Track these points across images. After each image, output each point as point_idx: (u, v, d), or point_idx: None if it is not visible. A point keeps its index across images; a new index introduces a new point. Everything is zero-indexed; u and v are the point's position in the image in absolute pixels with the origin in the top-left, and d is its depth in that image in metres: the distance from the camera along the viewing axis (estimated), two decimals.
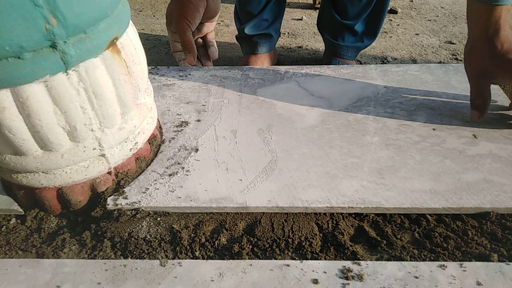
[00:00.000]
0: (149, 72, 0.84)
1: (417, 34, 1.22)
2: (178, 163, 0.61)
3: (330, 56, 1.01)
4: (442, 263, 0.48)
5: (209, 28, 0.92)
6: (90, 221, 0.55)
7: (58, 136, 0.49)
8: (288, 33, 1.25)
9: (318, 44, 1.19)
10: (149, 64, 0.65)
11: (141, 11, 1.45)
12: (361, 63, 1.08)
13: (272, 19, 0.96)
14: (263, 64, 0.99)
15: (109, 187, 0.57)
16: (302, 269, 0.47)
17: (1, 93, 0.43)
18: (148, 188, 0.57)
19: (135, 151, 0.58)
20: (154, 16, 1.41)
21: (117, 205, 0.55)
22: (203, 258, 0.51)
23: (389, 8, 1.29)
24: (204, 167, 0.61)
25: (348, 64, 0.92)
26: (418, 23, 1.29)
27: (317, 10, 1.38)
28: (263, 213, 0.56)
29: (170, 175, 0.59)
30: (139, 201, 0.55)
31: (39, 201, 0.55)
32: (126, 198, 0.55)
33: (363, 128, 0.68)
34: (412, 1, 1.45)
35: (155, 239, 0.52)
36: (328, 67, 0.85)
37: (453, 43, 1.16)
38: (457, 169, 0.59)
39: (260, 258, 0.51)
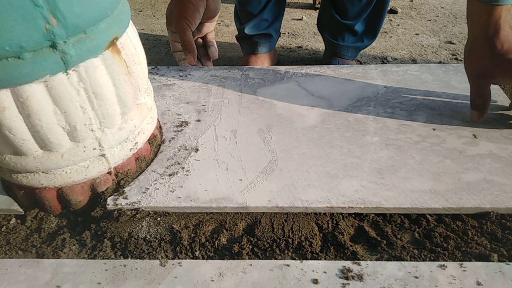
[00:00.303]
0: (149, 72, 0.84)
1: (417, 34, 1.22)
2: (178, 163, 0.61)
3: (330, 56, 1.01)
4: (442, 263, 0.48)
5: (209, 28, 0.92)
6: (90, 221, 0.55)
7: (58, 136, 0.49)
8: (288, 33, 1.25)
9: (318, 44, 1.19)
10: (149, 64, 0.65)
11: (141, 11, 1.45)
12: (361, 63, 1.09)
13: (272, 19, 0.96)
14: (263, 64, 0.99)
15: (109, 187, 0.57)
16: (302, 269, 0.47)
17: (1, 93, 0.43)
18: (148, 188, 0.57)
19: (135, 151, 0.58)
20: (154, 16, 1.41)
21: (117, 205, 0.55)
22: (203, 258, 0.51)
23: (389, 8, 1.29)
24: (204, 167, 0.61)
25: (348, 64, 0.92)
26: (418, 23, 1.29)
27: (317, 10, 1.38)
28: (263, 213, 0.56)
29: (170, 175, 0.59)
30: (139, 201, 0.55)
31: (39, 201, 0.55)
32: (126, 198, 0.55)
33: (363, 128, 0.68)
34: (412, 1, 1.45)
35: (155, 239, 0.52)
36: (328, 67, 0.85)
37: (453, 43, 1.16)
38: (457, 169, 0.59)
39: (260, 258, 0.51)
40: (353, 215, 0.56)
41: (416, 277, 0.46)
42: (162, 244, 0.52)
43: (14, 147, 0.48)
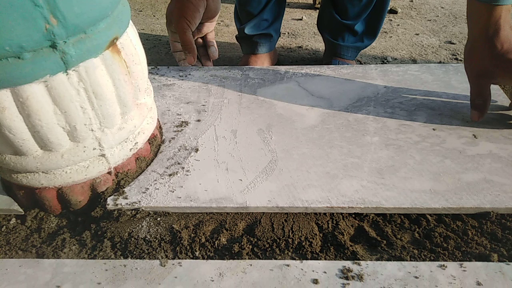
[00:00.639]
0: (149, 72, 0.84)
1: (417, 34, 1.22)
2: (178, 163, 0.61)
3: (330, 56, 1.01)
4: (442, 263, 0.48)
5: (209, 28, 0.92)
6: (90, 221, 0.55)
7: (58, 136, 0.49)
8: (288, 33, 1.25)
9: (318, 44, 1.19)
10: (149, 64, 0.65)
11: (141, 11, 1.45)
12: (361, 63, 1.09)
13: (272, 19, 0.96)
14: (263, 64, 0.99)
15: (109, 187, 0.57)
16: (302, 269, 0.47)
17: (1, 93, 0.43)
18: (148, 188, 0.57)
19: (135, 151, 0.58)
20: (154, 16, 1.41)
21: (117, 205, 0.55)
22: (203, 258, 0.51)
23: (389, 8, 1.29)
24: (204, 167, 0.61)
25: (348, 64, 0.92)
26: (418, 23, 1.29)
27: (317, 10, 1.38)
28: (263, 213, 0.56)
29: (170, 175, 0.59)
30: (139, 201, 0.55)
31: (39, 201, 0.55)
32: (126, 198, 0.55)
33: (363, 128, 0.68)
34: (412, 1, 1.45)
35: (155, 239, 0.52)
36: (328, 67, 0.85)
37: (453, 43, 1.16)
38: (457, 169, 0.59)
39: (260, 258, 0.51)
40: (353, 215, 0.56)
41: (416, 277, 0.46)
42: (162, 244, 0.52)
43: (14, 147, 0.48)
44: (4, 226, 0.56)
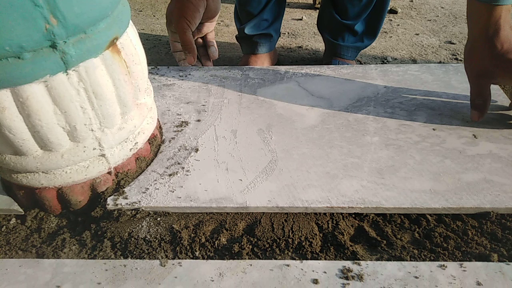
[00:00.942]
0: (149, 72, 0.84)
1: (417, 34, 1.22)
2: (178, 163, 0.61)
3: (330, 56, 1.01)
4: (442, 263, 0.48)
5: (209, 28, 0.92)
6: (90, 221, 0.55)
7: (58, 136, 0.49)
8: (288, 33, 1.25)
9: (318, 44, 1.19)
10: (149, 64, 0.65)
11: (141, 11, 1.45)
12: (361, 63, 1.09)
13: (272, 19, 0.96)
14: (263, 64, 0.99)
15: (109, 187, 0.57)
16: (302, 269, 0.47)
17: (1, 93, 0.43)
18: (148, 188, 0.57)
19: (135, 151, 0.58)
20: (154, 16, 1.41)
21: (117, 205, 0.55)
22: (203, 258, 0.51)
23: (389, 8, 1.29)
24: (204, 167, 0.61)
25: (348, 64, 0.92)
26: (418, 23, 1.29)
27: (317, 10, 1.38)
28: (263, 213, 0.56)
29: (170, 175, 0.59)
30: (139, 201, 0.55)
31: (39, 201, 0.55)
32: (126, 198, 0.55)
33: (363, 128, 0.68)
34: (412, 1, 1.45)
35: (155, 239, 0.52)
36: (328, 67, 0.85)
37: (453, 43, 1.16)
38: (457, 169, 0.59)
39: (260, 258, 0.51)
40: (353, 215, 0.56)
41: (416, 277, 0.46)
42: (162, 244, 0.52)
43: (14, 147, 0.48)
44: (4, 226, 0.56)
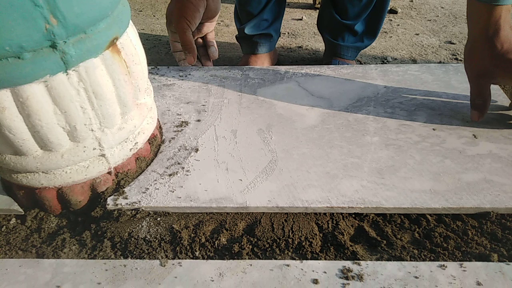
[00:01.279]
0: (149, 72, 0.84)
1: (417, 34, 1.22)
2: (178, 163, 0.61)
3: (330, 56, 1.01)
4: (442, 263, 0.48)
5: (209, 28, 0.92)
6: (90, 221, 0.55)
7: (58, 136, 0.49)
8: (288, 33, 1.25)
9: (318, 44, 1.19)
10: (149, 64, 0.65)
11: (141, 11, 1.45)
12: (361, 63, 1.09)
13: (272, 19, 0.96)
14: (263, 64, 0.99)
15: (109, 187, 0.57)
16: (302, 269, 0.47)
17: (1, 93, 0.43)
18: (148, 188, 0.57)
19: (135, 151, 0.58)
20: (154, 16, 1.41)
21: (117, 205, 0.55)
22: (203, 258, 0.51)
23: (389, 8, 1.29)
24: (204, 167, 0.61)
25: (348, 64, 0.92)
26: (418, 23, 1.29)
27: (317, 10, 1.38)
28: (263, 213, 0.56)
29: (170, 175, 0.59)
30: (139, 201, 0.55)
31: (39, 201, 0.55)
32: (126, 198, 0.55)
33: (363, 128, 0.68)
34: (412, 1, 1.45)
35: (155, 239, 0.52)
36: (328, 67, 0.85)
37: (453, 43, 1.16)
38: (457, 169, 0.59)
39: (260, 258, 0.51)
40: (353, 215, 0.56)
41: (416, 277, 0.46)
42: (162, 244, 0.52)
43: (14, 147, 0.48)
44: (4, 226, 0.56)
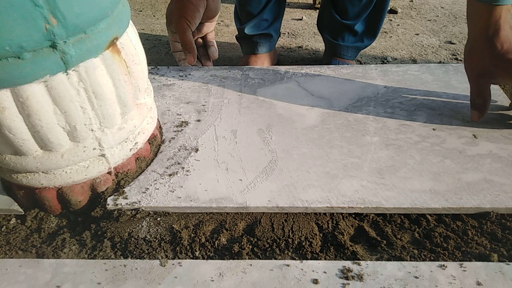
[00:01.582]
0: (149, 72, 0.84)
1: (417, 34, 1.22)
2: (178, 163, 0.61)
3: (330, 56, 1.01)
4: (442, 263, 0.48)
5: (209, 28, 0.92)
6: (90, 221, 0.55)
7: (58, 136, 0.49)
8: (288, 33, 1.25)
9: (318, 44, 1.19)
10: (149, 64, 0.65)
11: (141, 11, 1.45)
12: (361, 63, 1.09)
13: (272, 19, 0.96)
14: (263, 64, 0.99)
15: (109, 187, 0.57)
16: (302, 269, 0.47)
17: (1, 93, 0.43)
18: (148, 188, 0.57)
19: (135, 151, 0.58)
20: (154, 16, 1.41)
21: (117, 205, 0.55)
22: (203, 258, 0.51)
23: (389, 8, 1.29)
24: (204, 167, 0.61)
25: (348, 64, 0.92)
26: (418, 23, 1.29)
27: (317, 10, 1.38)
28: (263, 213, 0.56)
29: (170, 175, 0.59)
30: (139, 201, 0.55)
31: (39, 201, 0.55)
32: (126, 198, 0.55)
33: (363, 128, 0.68)
34: (412, 1, 1.45)
35: (155, 239, 0.52)
36: (328, 67, 0.85)
37: (453, 43, 1.16)
38: (457, 169, 0.59)
39: (260, 258, 0.51)
40: (353, 215, 0.56)
41: (416, 277, 0.46)
42: (162, 244, 0.52)
43: (14, 147, 0.48)
44: (4, 226, 0.56)
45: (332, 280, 0.46)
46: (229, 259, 0.50)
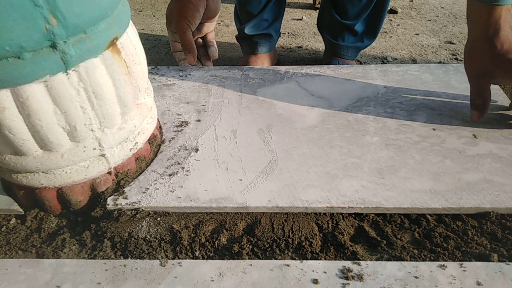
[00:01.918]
0: (149, 72, 0.84)
1: (417, 34, 1.22)
2: (178, 163, 0.61)
3: (330, 56, 1.01)
4: (442, 263, 0.48)
5: (209, 28, 0.92)
6: (90, 221, 0.55)
7: (58, 136, 0.49)
8: (288, 33, 1.25)
9: (318, 44, 1.19)
10: (149, 64, 0.65)
11: (141, 11, 1.45)
12: (361, 63, 1.09)
13: (272, 19, 0.96)
14: (263, 64, 0.99)
15: (109, 187, 0.57)
16: (302, 269, 0.47)
17: (1, 93, 0.43)
18: (148, 188, 0.57)
19: (135, 151, 0.58)
20: (154, 16, 1.41)
21: (117, 205, 0.55)
22: (203, 258, 0.51)
23: (389, 8, 1.29)
24: (204, 167, 0.61)
25: (348, 64, 0.92)
26: (418, 23, 1.29)
27: (317, 10, 1.38)
28: (263, 213, 0.56)
29: (170, 175, 0.59)
30: (139, 201, 0.55)
31: (39, 201, 0.55)
32: (126, 198, 0.55)
33: (363, 128, 0.68)
34: (412, 1, 1.45)
35: (155, 239, 0.52)
36: (328, 67, 0.85)
37: (453, 43, 1.16)
38: (457, 169, 0.59)
39: (260, 258, 0.51)
40: (353, 215, 0.56)
41: (416, 277, 0.46)
42: (162, 244, 0.52)
43: (14, 147, 0.48)
44: (4, 226, 0.56)
45: (332, 280, 0.46)
46: (229, 259, 0.50)
